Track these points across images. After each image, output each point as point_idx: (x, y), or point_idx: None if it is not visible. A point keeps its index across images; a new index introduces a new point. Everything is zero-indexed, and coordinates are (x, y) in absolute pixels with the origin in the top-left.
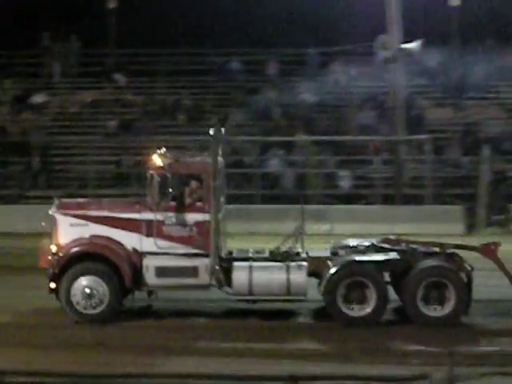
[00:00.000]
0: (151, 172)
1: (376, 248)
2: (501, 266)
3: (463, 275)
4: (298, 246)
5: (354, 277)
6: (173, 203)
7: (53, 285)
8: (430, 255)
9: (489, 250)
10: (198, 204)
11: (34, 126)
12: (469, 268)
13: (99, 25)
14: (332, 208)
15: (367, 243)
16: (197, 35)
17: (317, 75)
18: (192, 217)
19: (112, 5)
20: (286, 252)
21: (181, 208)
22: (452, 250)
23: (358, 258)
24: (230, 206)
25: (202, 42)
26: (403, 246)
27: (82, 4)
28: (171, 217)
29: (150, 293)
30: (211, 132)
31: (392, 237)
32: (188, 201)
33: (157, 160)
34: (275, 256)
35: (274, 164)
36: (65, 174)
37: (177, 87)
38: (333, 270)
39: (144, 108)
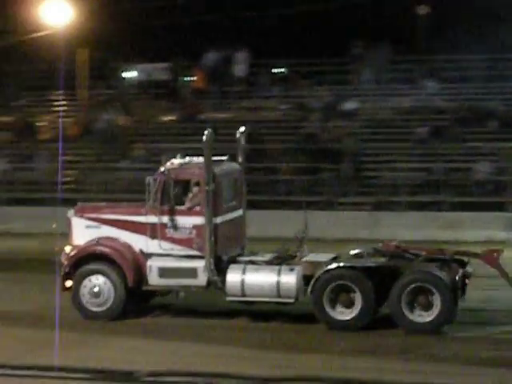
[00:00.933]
0: (154, 177)
1: (378, 253)
2: (503, 274)
3: (454, 282)
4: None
5: (340, 281)
6: (174, 207)
7: (68, 283)
8: (429, 261)
9: (491, 258)
10: (197, 208)
11: (346, 132)
12: (461, 275)
13: (410, 31)
14: None
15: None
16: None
17: None
18: (191, 220)
19: (422, 10)
20: (289, 255)
21: (181, 212)
22: (454, 256)
23: (343, 262)
24: None
25: None
26: (396, 252)
27: (392, 11)
28: (173, 220)
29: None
30: (204, 138)
31: (393, 243)
32: (188, 205)
33: (160, 166)
34: (275, 259)
35: None
36: (375, 180)
37: (489, 93)
38: (318, 274)
39: (456, 114)
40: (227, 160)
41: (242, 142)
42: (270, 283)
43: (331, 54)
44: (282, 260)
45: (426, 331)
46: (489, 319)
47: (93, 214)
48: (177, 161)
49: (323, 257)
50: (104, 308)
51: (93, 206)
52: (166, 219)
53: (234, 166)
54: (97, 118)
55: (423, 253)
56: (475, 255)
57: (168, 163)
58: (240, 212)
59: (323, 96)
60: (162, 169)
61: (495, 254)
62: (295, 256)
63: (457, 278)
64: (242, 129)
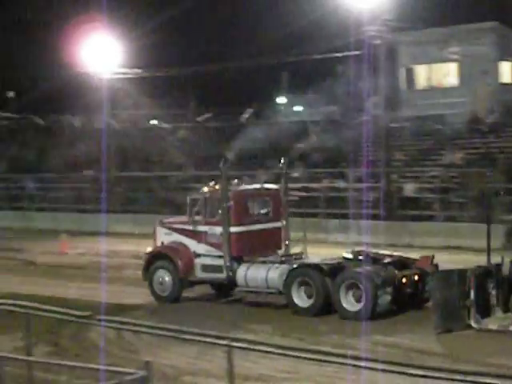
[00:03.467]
0: (195, 196)
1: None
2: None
3: (379, 280)
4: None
5: (301, 277)
6: (210, 219)
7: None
8: (377, 263)
9: (425, 262)
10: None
11: None
12: (397, 276)
13: None
14: None
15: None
16: None
17: None
18: (220, 229)
19: None
20: (288, 256)
21: (214, 222)
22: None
23: (304, 262)
24: None
25: None
26: (356, 256)
27: None
28: (210, 229)
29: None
30: (220, 166)
31: (359, 248)
32: (219, 218)
33: (203, 188)
34: (281, 260)
35: None
36: None
37: None
38: (287, 272)
39: None
40: (261, 184)
41: (284, 169)
42: (261, 277)
43: None
44: (286, 260)
45: (356, 318)
46: None
47: (168, 224)
48: (214, 184)
49: (314, 259)
50: (166, 293)
51: (171, 219)
52: (206, 228)
53: (266, 188)
54: None
55: (379, 257)
56: (414, 260)
57: (207, 187)
58: (277, 224)
59: None
60: (205, 189)
61: (428, 259)
62: (292, 256)
63: (381, 276)
64: (282, 160)
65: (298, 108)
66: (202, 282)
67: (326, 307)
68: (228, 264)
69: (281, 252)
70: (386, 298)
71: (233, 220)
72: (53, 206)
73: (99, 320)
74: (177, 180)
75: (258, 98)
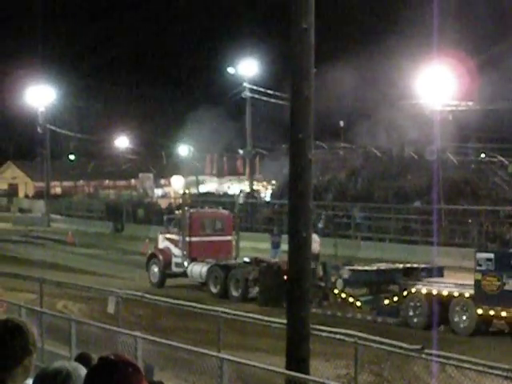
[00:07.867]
0: (171, 216)
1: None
2: None
3: (251, 277)
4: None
5: (214, 272)
6: (180, 231)
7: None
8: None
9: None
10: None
11: None
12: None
13: None
14: None
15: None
16: None
17: None
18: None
19: None
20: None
21: (182, 233)
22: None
23: (218, 263)
24: None
25: None
26: (253, 260)
27: None
28: (180, 238)
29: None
30: (183, 199)
31: (256, 255)
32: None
33: (177, 211)
34: (216, 262)
35: None
36: None
37: None
38: (207, 269)
39: None
40: (218, 210)
41: (240, 200)
42: (197, 272)
43: None
44: (218, 261)
45: (236, 301)
46: None
47: (164, 233)
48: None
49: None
50: (155, 281)
51: (165, 229)
52: (178, 237)
53: (219, 213)
54: None
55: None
56: (275, 263)
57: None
58: (227, 237)
59: None
60: (179, 212)
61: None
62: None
63: (253, 275)
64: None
65: None
66: (175, 275)
67: (225, 293)
68: (184, 262)
69: (231, 257)
70: (256, 290)
71: (189, 232)
72: (379, 235)
73: (427, 354)
74: (505, 215)
75: None
